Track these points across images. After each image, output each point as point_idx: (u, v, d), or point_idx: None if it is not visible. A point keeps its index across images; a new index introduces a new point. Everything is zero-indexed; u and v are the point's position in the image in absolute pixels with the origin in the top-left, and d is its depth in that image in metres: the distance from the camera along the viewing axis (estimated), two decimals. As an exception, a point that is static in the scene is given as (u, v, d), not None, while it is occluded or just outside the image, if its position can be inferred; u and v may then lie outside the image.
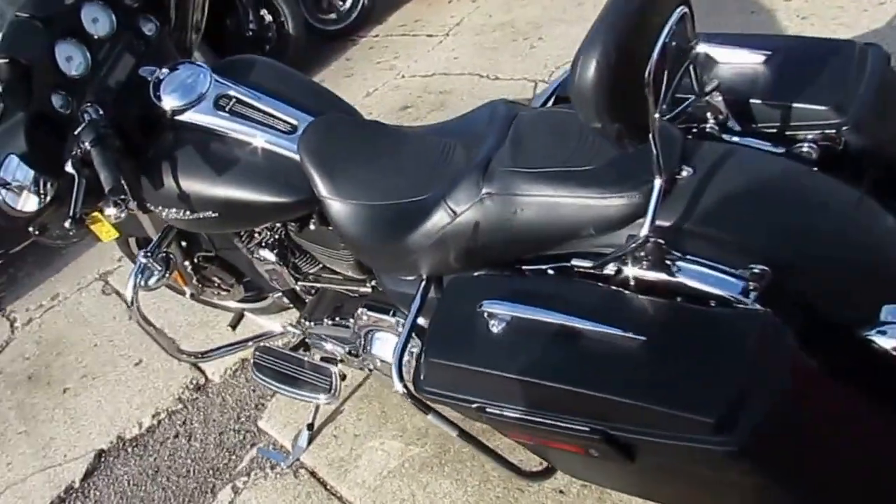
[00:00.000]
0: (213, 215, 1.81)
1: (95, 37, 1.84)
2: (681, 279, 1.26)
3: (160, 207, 1.87)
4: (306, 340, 2.21)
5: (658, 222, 1.26)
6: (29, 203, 1.73)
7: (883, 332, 1.21)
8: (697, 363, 1.16)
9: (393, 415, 2.33)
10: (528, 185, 1.39)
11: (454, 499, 2.05)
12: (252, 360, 2.22)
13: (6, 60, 1.66)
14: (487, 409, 1.33)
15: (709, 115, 1.46)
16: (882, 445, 1.22)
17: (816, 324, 1.24)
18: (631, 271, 1.31)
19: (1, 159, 1.69)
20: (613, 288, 1.32)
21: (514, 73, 3.96)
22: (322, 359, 2.17)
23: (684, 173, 1.31)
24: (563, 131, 1.44)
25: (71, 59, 1.80)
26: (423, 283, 1.59)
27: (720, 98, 1.43)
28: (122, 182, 1.68)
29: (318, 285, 2.11)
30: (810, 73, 1.46)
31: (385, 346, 1.90)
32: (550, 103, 1.75)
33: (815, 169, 1.40)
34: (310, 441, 2.35)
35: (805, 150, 1.41)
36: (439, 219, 1.49)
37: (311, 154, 1.70)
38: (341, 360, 2.13)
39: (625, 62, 1.09)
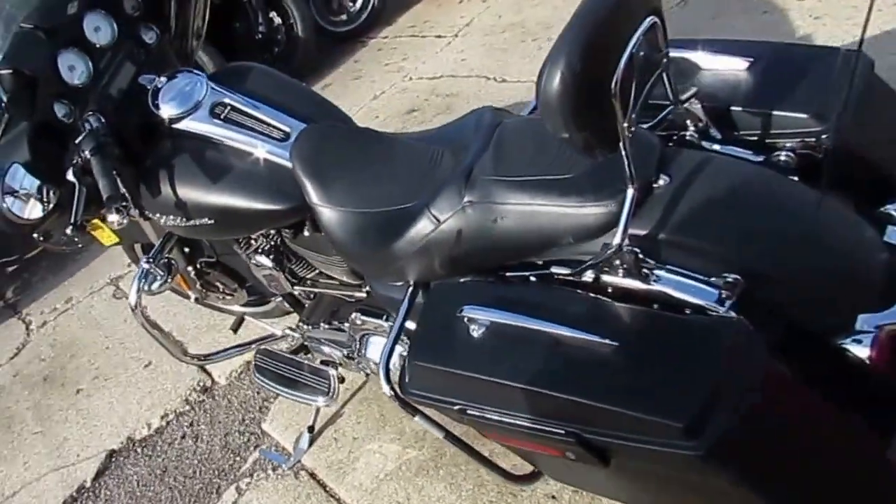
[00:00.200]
0: (209, 222, 1.85)
1: (97, 46, 1.88)
2: (656, 287, 1.28)
3: (158, 214, 1.90)
4: (305, 344, 2.25)
5: (633, 231, 1.28)
6: (33, 211, 1.78)
7: (858, 341, 1.23)
8: (669, 369, 1.18)
9: (391, 418, 2.36)
10: (508, 194, 1.41)
11: (448, 502, 2.08)
12: (253, 363, 2.26)
13: (10, 71, 1.70)
14: (469, 412, 1.36)
15: (689, 122, 1.47)
16: (853, 453, 1.23)
17: (792, 331, 1.26)
18: (608, 279, 1.33)
19: (5, 168, 1.73)
20: (591, 295, 1.34)
21: (521, 76, 3.97)
22: (321, 362, 2.20)
23: (661, 182, 1.33)
24: (545, 140, 1.45)
25: (73, 69, 1.83)
26: (411, 289, 1.62)
27: (699, 105, 1.44)
28: (121, 190, 1.73)
29: (315, 290, 2.14)
30: (792, 80, 1.47)
31: (378, 349, 1.93)
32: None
33: (795, 177, 1.41)
34: (310, 443, 2.38)
35: (784, 158, 1.42)
36: (423, 226, 1.51)
37: (302, 161, 1.73)
38: (340, 364, 2.16)
39: (590, 73, 1.11)
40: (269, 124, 1.83)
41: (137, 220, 2.03)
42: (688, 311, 1.26)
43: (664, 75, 1.33)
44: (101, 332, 3.42)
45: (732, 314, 1.23)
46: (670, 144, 1.48)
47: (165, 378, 3.00)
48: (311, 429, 2.40)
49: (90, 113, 1.82)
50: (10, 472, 2.91)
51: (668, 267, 1.28)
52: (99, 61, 1.88)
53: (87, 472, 2.75)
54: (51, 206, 1.78)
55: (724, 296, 1.23)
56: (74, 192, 1.74)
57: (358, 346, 1.99)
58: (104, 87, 1.88)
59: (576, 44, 1.11)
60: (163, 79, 1.90)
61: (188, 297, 2.60)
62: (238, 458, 2.53)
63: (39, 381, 3.33)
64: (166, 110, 1.86)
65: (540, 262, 1.44)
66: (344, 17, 5.44)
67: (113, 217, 1.69)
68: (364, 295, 1.99)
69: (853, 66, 1.46)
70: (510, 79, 4.02)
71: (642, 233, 1.29)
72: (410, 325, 1.61)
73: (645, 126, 1.47)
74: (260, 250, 2.04)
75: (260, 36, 4.92)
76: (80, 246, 2.17)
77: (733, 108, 1.48)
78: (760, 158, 1.44)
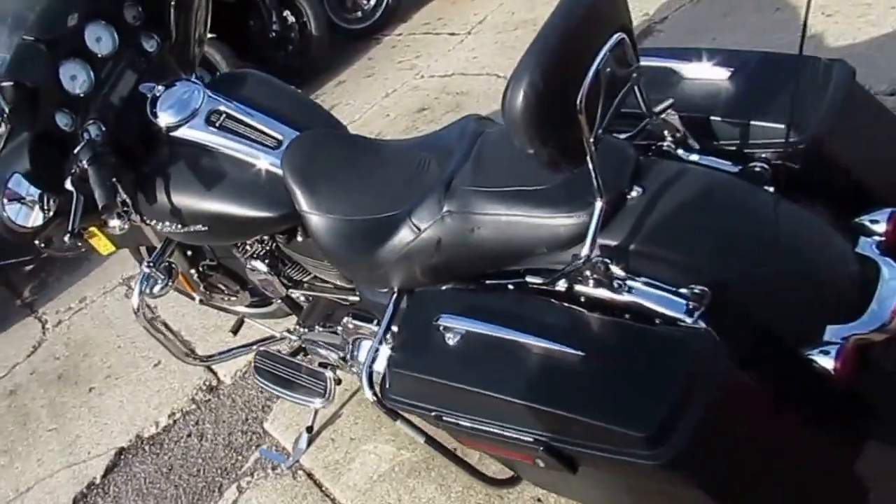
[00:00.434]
0: (203, 229, 1.88)
1: (99, 55, 1.91)
2: (626, 297, 1.30)
3: (155, 220, 1.94)
4: (303, 346, 2.28)
5: (605, 241, 1.30)
6: (34, 219, 1.82)
7: (826, 353, 1.23)
8: (634, 380, 1.20)
9: (387, 419, 2.37)
10: (484, 204, 1.43)
11: (437, 504, 2.11)
12: (253, 364, 2.30)
13: (12, 84, 1.73)
14: (444, 418, 1.39)
15: (666, 133, 1.48)
16: (818, 464, 1.24)
17: (761, 342, 1.27)
18: (581, 288, 1.35)
19: (7, 178, 1.77)
20: (563, 305, 1.36)
21: (531, 74, 3.97)
22: (319, 364, 2.23)
23: (634, 193, 1.34)
24: None
25: (75, 78, 1.86)
26: (395, 296, 1.65)
27: (676, 116, 1.45)
28: (122, 196, 1.77)
29: (311, 293, 2.17)
30: (772, 89, 1.47)
31: (368, 353, 1.96)
32: None
33: (771, 188, 1.41)
34: (308, 443, 2.42)
35: (759, 168, 1.42)
36: (405, 235, 1.54)
37: (292, 169, 1.76)
38: (336, 366, 2.19)
39: (554, 90, 1.13)
40: (262, 132, 1.86)
41: (139, 225, 2.07)
42: (658, 322, 1.28)
43: (636, 88, 1.35)
44: (114, 332, 3.49)
45: (701, 324, 1.24)
46: (649, 154, 1.49)
47: (173, 377, 3.06)
48: (309, 429, 2.44)
49: (91, 121, 1.86)
50: (25, 469, 2.99)
51: (639, 278, 1.30)
52: (100, 70, 1.91)
53: (97, 470, 2.82)
54: (51, 213, 1.82)
55: (691, 307, 1.24)
56: (72, 201, 1.79)
57: (351, 349, 2.02)
58: (105, 95, 1.91)
59: (539, 62, 1.12)
60: (160, 87, 1.93)
61: (193, 299, 2.65)
62: (240, 457, 2.58)
63: (54, 379, 3.41)
64: (164, 118, 1.89)
65: (519, 270, 1.46)
66: (359, 14, 5.49)
67: (115, 222, 1.73)
68: (357, 299, 2.02)
69: (832, 75, 1.47)
70: (519, 77, 4.01)
71: (613, 243, 1.31)
72: (396, 330, 1.64)
73: (623, 136, 1.49)
74: (255, 255, 2.07)
75: (274, 34, 4.97)
76: (82, 251, 2.21)
77: (713, 117, 1.48)
78: (737, 168, 1.45)
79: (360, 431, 2.42)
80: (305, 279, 2.14)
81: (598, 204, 1.26)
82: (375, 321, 1.92)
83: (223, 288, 2.55)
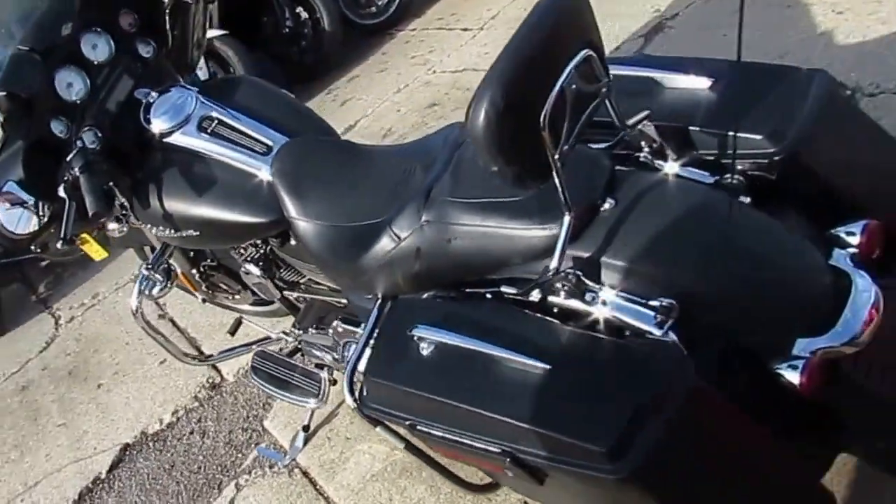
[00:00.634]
0: (195, 234, 1.91)
1: (95, 62, 1.92)
2: (596, 309, 1.31)
3: (149, 225, 1.98)
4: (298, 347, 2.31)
5: (576, 253, 1.31)
6: (28, 226, 1.85)
7: (794, 367, 1.24)
8: (597, 393, 1.21)
9: (380, 419, 2.42)
10: (461, 215, 1.44)
11: (427, 504, 2.13)
12: (250, 364, 2.33)
13: (5, 94, 1.73)
14: (418, 427, 1.41)
15: (643, 143, 1.48)
16: (783, 477, 1.24)
17: (731, 355, 1.27)
18: (553, 299, 1.36)
19: (1, 186, 1.79)
20: (536, 316, 1.37)
21: (540, 70, 3.97)
22: (315, 365, 2.26)
23: (607, 205, 1.35)
24: None
25: (71, 86, 1.88)
26: (379, 302, 1.66)
27: (652, 127, 1.45)
28: (121, 200, 1.79)
29: (306, 296, 2.20)
30: (751, 100, 1.46)
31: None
32: None
33: (747, 199, 1.41)
34: (305, 442, 2.45)
35: (734, 179, 1.42)
36: (386, 243, 1.56)
37: (281, 175, 1.79)
38: (331, 367, 2.22)
39: (517, 108, 1.14)
40: (252, 138, 1.87)
41: (139, 227, 2.10)
42: (628, 333, 1.29)
43: (607, 102, 1.35)
44: (123, 328, 3.54)
45: (672, 336, 1.24)
46: (626, 164, 1.49)
47: (178, 375, 3.11)
48: (306, 428, 2.46)
49: (87, 128, 1.87)
50: (35, 463, 3.06)
51: (610, 290, 1.30)
52: (96, 77, 1.93)
53: (102, 465, 2.88)
54: (45, 220, 1.85)
55: (660, 319, 1.25)
56: (65, 208, 1.82)
57: (342, 351, 2.04)
58: (102, 101, 1.93)
59: (500, 81, 1.13)
60: (155, 93, 1.95)
61: (197, 297, 2.69)
62: (240, 455, 2.62)
63: (65, 374, 3.48)
64: (157, 124, 1.92)
65: (496, 280, 1.47)
66: (372, 9, 5.51)
67: (113, 225, 1.76)
68: (347, 302, 2.04)
69: (812, 86, 1.47)
70: (527, 75, 4.01)
71: (585, 255, 1.32)
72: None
73: (601, 147, 1.49)
74: (249, 258, 2.10)
75: (287, 30, 5.01)
76: (81, 254, 2.24)
77: (691, 127, 1.48)
78: (713, 179, 1.44)
79: (355, 431, 2.45)
80: (300, 281, 2.16)
81: (567, 218, 1.26)
82: (363, 325, 1.94)
83: (225, 287, 2.58)
